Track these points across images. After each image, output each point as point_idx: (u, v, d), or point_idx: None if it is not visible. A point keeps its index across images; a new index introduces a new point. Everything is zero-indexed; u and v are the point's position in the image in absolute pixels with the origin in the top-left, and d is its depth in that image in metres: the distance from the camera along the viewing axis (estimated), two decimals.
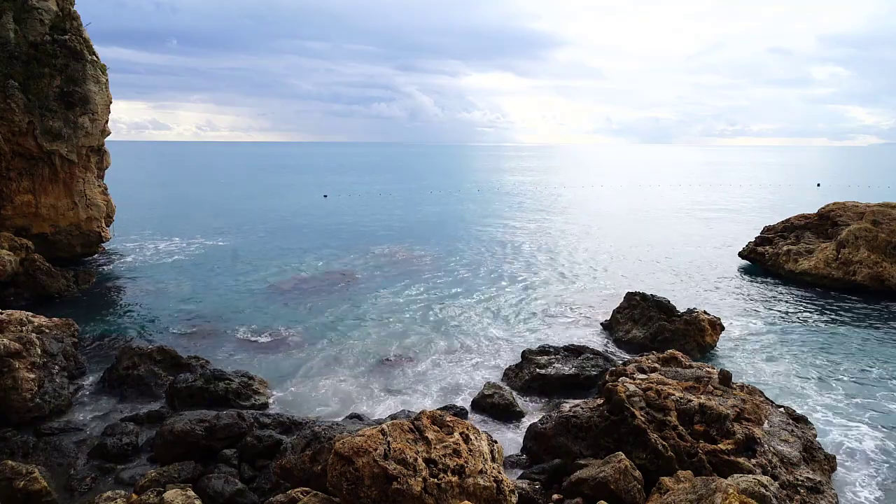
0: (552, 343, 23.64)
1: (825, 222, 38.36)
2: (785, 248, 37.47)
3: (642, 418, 14.12)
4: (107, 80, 36.05)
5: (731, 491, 10.42)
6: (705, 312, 24.76)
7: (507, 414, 18.32)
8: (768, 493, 11.02)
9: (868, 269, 32.38)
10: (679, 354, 18.85)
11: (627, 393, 14.77)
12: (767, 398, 16.93)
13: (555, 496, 13.34)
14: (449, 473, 10.99)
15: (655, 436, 13.73)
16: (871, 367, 22.31)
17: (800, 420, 16.29)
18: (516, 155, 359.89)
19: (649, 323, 24.70)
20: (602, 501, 12.19)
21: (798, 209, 48.23)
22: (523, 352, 22.24)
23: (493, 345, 24.77)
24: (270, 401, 19.46)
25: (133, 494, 12.86)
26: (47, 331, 20.44)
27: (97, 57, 35.66)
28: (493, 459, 11.99)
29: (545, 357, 21.50)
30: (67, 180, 35.11)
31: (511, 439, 17.07)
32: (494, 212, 69.66)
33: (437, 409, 13.73)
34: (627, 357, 22.11)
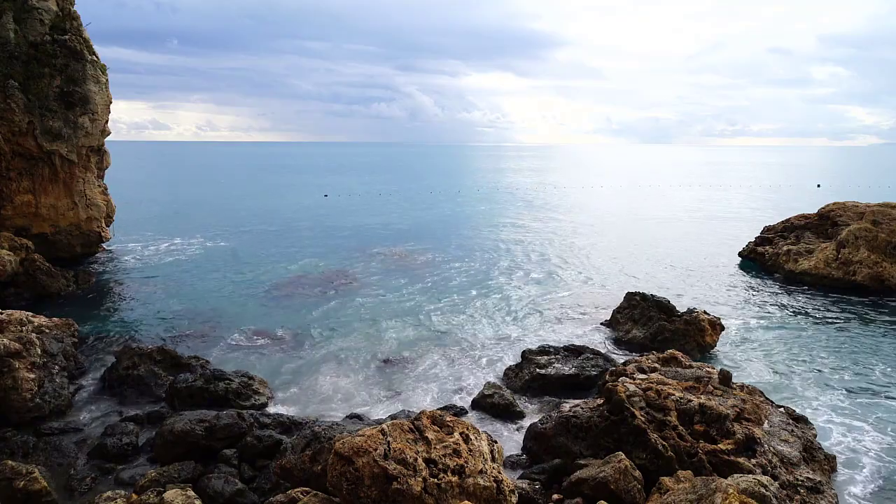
0: (552, 343, 23.64)
1: (825, 222, 38.37)
2: (785, 248, 37.48)
3: (642, 418, 14.13)
4: (107, 80, 36.05)
5: (731, 491, 10.42)
6: (705, 312, 24.76)
7: (507, 414, 18.32)
8: (768, 493, 11.02)
9: (868, 269, 32.38)
10: (679, 354, 18.85)
11: (627, 393, 14.77)
12: (767, 398, 16.94)
13: (555, 496, 13.35)
14: (449, 473, 10.99)
15: (655, 436, 13.73)
16: (871, 366, 22.31)
17: (800, 420, 16.30)
18: (516, 155, 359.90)
19: (649, 323, 24.70)
20: (602, 501, 12.19)
21: (798, 209, 48.24)
22: (523, 352, 22.24)
23: (493, 345, 24.77)
24: (270, 401, 19.46)
25: (133, 494, 12.86)
26: (47, 331, 20.44)
27: (97, 57, 35.66)
28: (493, 459, 12.00)
29: (545, 357, 21.50)
30: (67, 180, 35.11)
31: (511, 439, 17.07)
32: (494, 212, 69.66)
33: (437, 409, 13.73)
34: (627, 357, 22.11)
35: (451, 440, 11.63)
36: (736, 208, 74.48)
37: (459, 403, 18.90)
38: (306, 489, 12.29)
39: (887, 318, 28.05)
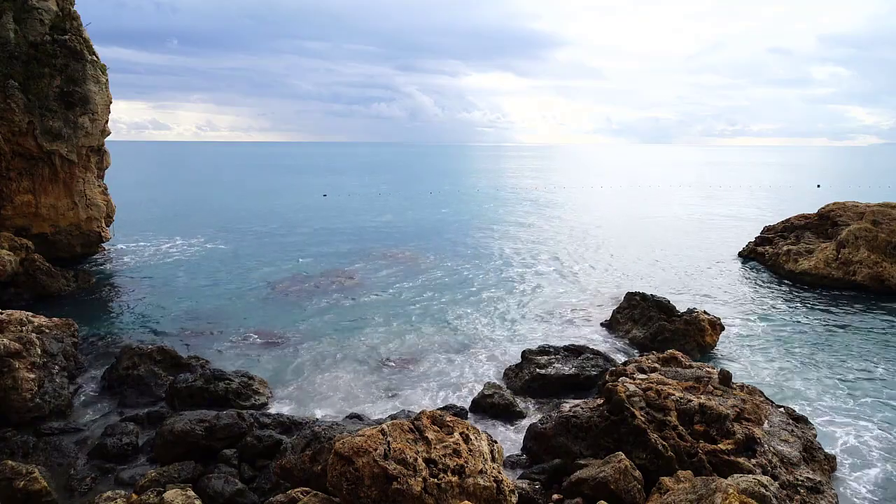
0: (552, 343, 23.62)
1: (825, 222, 38.38)
2: (785, 247, 37.48)
3: (642, 418, 14.13)
4: (107, 80, 36.05)
5: (731, 491, 10.42)
6: (705, 312, 24.76)
7: (507, 414, 18.32)
8: (768, 493, 11.02)
9: (868, 269, 32.38)
10: (679, 354, 18.85)
11: (627, 393, 14.77)
12: (767, 398, 16.93)
13: (555, 496, 13.34)
14: (449, 473, 10.99)
15: (655, 436, 13.73)
16: (871, 366, 22.31)
17: (800, 420, 16.30)
18: (516, 155, 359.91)
19: (649, 323, 24.70)
20: (602, 501, 12.19)
21: (798, 209, 48.24)
22: (523, 352, 22.24)
23: (493, 345, 24.78)
24: (270, 401, 19.46)
25: (133, 494, 12.86)
26: (47, 331, 20.44)
27: (97, 57, 35.66)
28: (493, 459, 11.99)
29: (545, 357, 21.50)
30: (67, 180, 35.11)
31: (511, 439, 17.07)
32: (494, 212, 69.66)
33: (437, 409, 13.73)
34: (627, 357, 22.11)
35: (451, 440, 11.63)
36: (736, 208, 74.48)
37: (459, 403, 18.90)
38: (306, 489, 12.29)
39: (887, 318, 28.05)
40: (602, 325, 27.12)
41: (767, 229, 42.02)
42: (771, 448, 13.87)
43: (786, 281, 35.34)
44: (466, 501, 10.75)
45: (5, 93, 31.47)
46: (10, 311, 20.01)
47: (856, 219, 35.77)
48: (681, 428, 14.01)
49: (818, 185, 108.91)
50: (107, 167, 39.26)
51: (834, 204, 39.59)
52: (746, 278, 36.62)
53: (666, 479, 12.46)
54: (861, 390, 20.30)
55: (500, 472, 11.70)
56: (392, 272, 37.34)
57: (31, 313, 20.68)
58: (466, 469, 11.16)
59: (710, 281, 35.74)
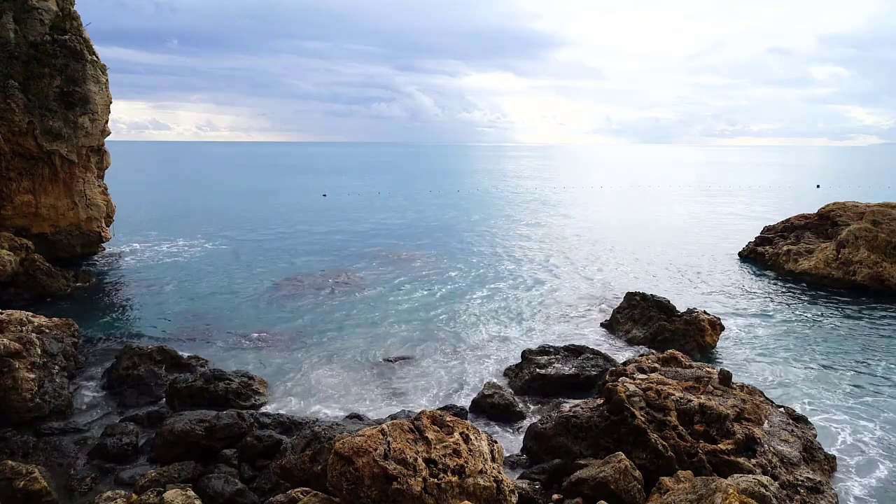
0: (552, 343, 23.64)
1: (825, 222, 38.39)
2: (785, 248, 37.49)
3: (642, 418, 14.13)
4: (107, 80, 36.06)
5: (731, 491, 10.42)
6: (705, 312, 24.76)
7: (507, 414, 18.31)
8: (768, 493, 11.02)
9: (868, 269, 32.38)
10: (679, 354, 18.85)
11: (627, 393, 14.77)
12: (767, 398, 16.94)
13: (555, 496, 13.34)
14: (449, 473, 10.99)
15: (655, 436, 13.73)
16: (871, 366, 22.31)
17: (800, 420, 16.30)
18: (516, 155, 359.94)
19: (649, 323, 24.70)
20: (602, 501, 12.19)
21: (798, 209, 48.25)
22: (523, 352, 22.24)
23: (493, 345, 24.77)
24: (270, 401, 19.46)
25: (133, 494, 12.86)
26: (47, 331, 20.45)
27: (97, 57, 35.67)
28: (493, 459, 11.99)
29: (545, 357, 21.50)
30: (67, 180, 35.12)
31: (511, 439, 17.08)
32: (494, 212, 69.66)
33: (437, 409, 13.73)
34: (627, 357, 22.11)
35: (451, 440, 11.63)
36: (736, 208, 74.49)
37: (459, 403, 18.90)
38: (306, 489, 12.29)
39: (887, 318, 28.05)
40: (602, 325, 27.12)
41: (767, 229, 42.03)
42: (771, 448, 13.87)
43: (786, 281, 35.34)
44: (466, 501, 10.75)
45: (5, 93, 31.47)
46: (10, 311, 20.02)
47: (856, 219, 35.77)
48: (681, 428, 14.01)
49: (818, 186, 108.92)
50: (107, 167, 39.28)
51: (834, 204, 39.59)
52: (746, 278, 36.61)
53: (666, 479, 12.46)
54: (861, 390, 20.30)
55: (500, 472, 11.70)
56: (392, 272, 37.34)
57: (31, 313, 20.69)
58: (466, 469, 11.16)
59: (710, 281, 35.73)
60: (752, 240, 42.18)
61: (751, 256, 40.57)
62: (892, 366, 22.36)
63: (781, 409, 16.44)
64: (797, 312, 29.23)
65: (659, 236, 51.80)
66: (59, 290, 30.38)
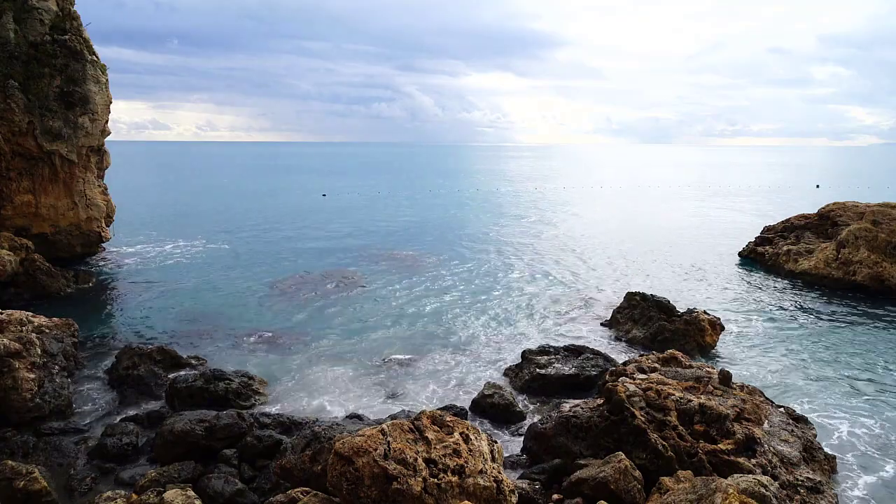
0: (552, 343, 23.65)
1: (825, 222, 38.38)
2: (785, 248, 37.49)
3: (642, 418, 14.12)
4: (107, 80, 36.05)
5: (731, 491, 10.42)
6: (705, 312, 24.77)
7: (507, 414, 18.31)
8: (768, 493, 11.02)
9: (868, 269, 32.38)
10: (679, 354, 18.85)
11: (627, 393, 14.77)
12: (767, 398, 16.94)
13: (555, 496, 13.34)
14: (449, 473, 10.99)
15: (655, 436, 13.73)
16: (871, 366, 22.31)
17: (800, 420, 16.30)
18: (516, 155, 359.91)
19: (649, 323, 24.71)
20: (602, 501, 12.18)
21: (798, 209, 48.24)
22: (523, 352, 22.24)
23: (493, 345, 24.78)
24: (270, 401, 19.46)
25: (133, 494, 12.86)
26: (47, 331, 20.44)
27: (97, 57, 35.65)
28: (493, 459, 11.99)
29: (545, 357, 21.50)
30: (67, 180, 35.11)
31: (511, 439, 17.08)
32: (494, 212, 69.67)
33: (437, 409, 13.73)
34: (627, 357, 22.10)
35: (451, 440, 11.63)
36: (736, 208, 74.49)
37: (459, 403, 18.89)
38: (306, 489, 12.29)
39: (887, 318, 28.05)
40: (602, 325, 27.12)
41: (767, 229, 42.02)
42: (771, 448, 13.87)
43: (786, 281, 35.33)
44: (466, 501, 10.75)
45: (5, 93, 31.46)
46: (10, 311, 20.01)
47: (856, 219, 35.76)
48: (681, 428, 14.01)
49: (817, 186, 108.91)
50: (107, 167, 39.27)
51: (834, 204, 39.59)
52: (746, 278, 36.61)
53: (666, 479, 12.46)
54: (861, 390, 20.30)
55: (500, 472, 11.70)
56: (392, 272, 37.34)
57: (31, 313, 20.68)
58: (466, 469, 11.16)
59: (710, 281, 35.74)
60: (752, 240, 42.17)
61: (751, 256, 40.56)
62: (892, 366, 22.36)
63: (781, 409, 16.44)
64: (797, 312, 29.22)
65: (659, 236, 51.80)
66: (59, 290, 30.38)
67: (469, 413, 18.35)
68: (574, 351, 22.20)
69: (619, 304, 27.11)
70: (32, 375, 17.80)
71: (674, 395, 14.91)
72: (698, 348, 23.34)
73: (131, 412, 18.22)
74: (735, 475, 11.72)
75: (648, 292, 26.55)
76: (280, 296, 31.65)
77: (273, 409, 18.61)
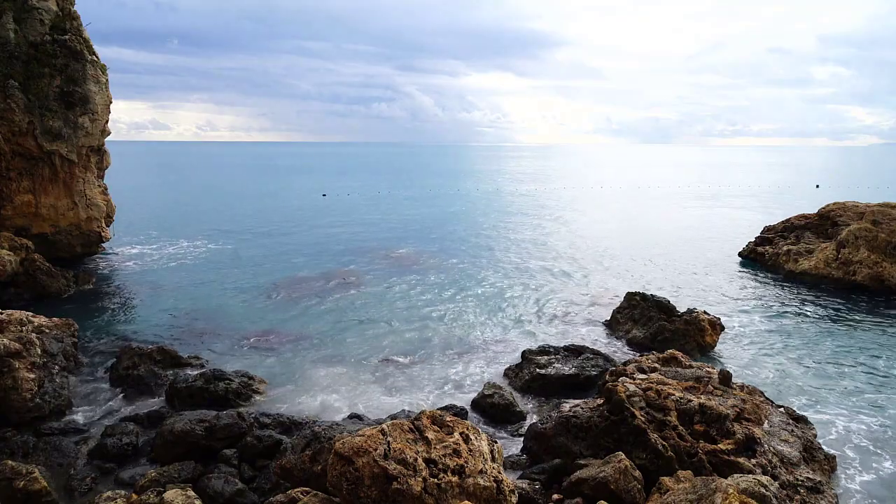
0: (552, 343, 23.64)
1: (825, 222, 38.37)
2: (785, 248, 37.48)
3: (642, 418, 14.13)
4: (107, 80, 36.04)
5: (731, 491, 10.42)
6: (705, 312, 24.76)
7: (507, 414, 18.31)
8: (768, 493, 11.02)
9: (868, 269, 32.38)
10: (679, 354, 18.85)
11: (627, 393, 14.77)
12: (767, 398, 16.94)
13: (555, 496, 13.35)
14: (449, 473, 10.99)
15: (655, 436, 13.73)
16: (871, 366, 22.31)
17: (800, 420, 16.30)
18: (516, 155, 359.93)
19: (649, 323, 24.70)
20: (602, 501, 12.19)
21: (798, 209, 48.23)
22: (523, 352, 22.24)
23: (493, 345, 24.77)
24: (270, 401, 19.45)
25: (133, 494, 12.86)
26: (47, 331, 20.44)
27: (97, 57, 35.64)
28: (493, 459, 11.99)
29: (545, 357, 21.50)
30: (67, 180, 35.10)
31: (511, 439, 17.07)
32: (494, 212, 69.66)
33: (437, 409, 13.72)
34: (627, 357, 22.11)
35: (451, 440, 11.63)
36: (736, 208, 74.49)
37: (459, 403, 18.88)
38: (306, 489, 12.29)
39: (887, 319, 28.05)
40: (602, 325, 27.12)
41: (767, 229, 42.00)
42: (771, 448, 13.87)
43: (786, 281, 35.33)
44: (466, 501, 10.75)
45: (5, 93, 31.46)
46: (10, 311, 20.01)
47: (856, 219, 35.76)
48: (681, 428, 14.01)
49: (817, 186, 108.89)
50: (107, 167, 39.26)
51: (834, 204, 39.57)
52: (746, 278, 36.61)
53: (666, 479, 12.46)
54: (861, 390, 20.29)
55: (500, 472, 11.70)
56: (392, 272, 37.34)
57: (31, 313, 20.68)
58: (466, 469, 11.16)
59: (710, 281, 35.74)
60: (752, 240, 42.15)
61: (751, 256, 40.55)
62: (892, 366, 22.36)
63: (781, 409, 16.44)
64: (797, 312, 29.23)
65: (659, 236, 51.79)
66: (59, 290, 30.37)
67: (469, 413, 18.35)
68: (574, 351, 22.20)
69: (619, 304, 27.10)
70: (32, 375, 17.81)
71: (674, 395, 14.91)
72: (698, 348, 23.34)
73: (131, 412, 18.22)
74: (735, 475, 11.72)
75: (648, 292, 26.54)
76: (280, 296, 31.65)
77: (273, 409, 18.60)
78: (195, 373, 19.92)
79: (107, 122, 36.63)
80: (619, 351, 23.99)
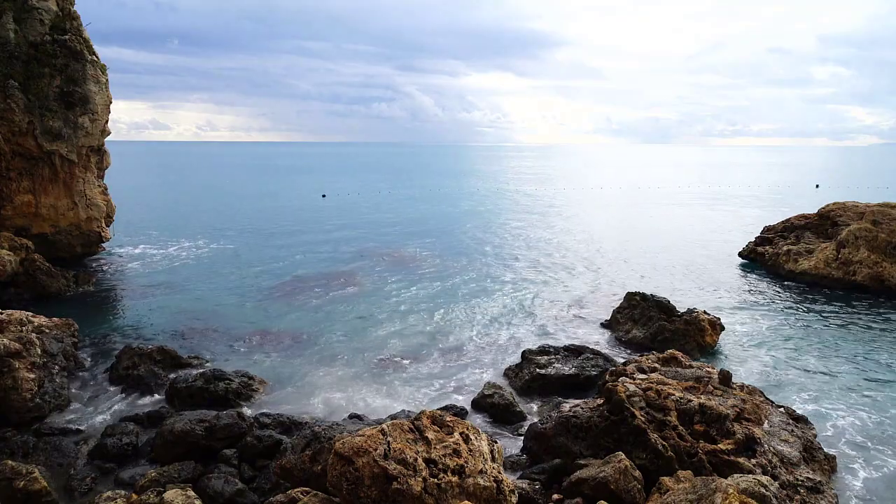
0: (552, 343, 23.63)
1: (825, 222, 38.35)
2: (785, 248, 37.47)
3: (642, 418, 14.13)
4: (107, 80, 36.03)
5: (731, 491, 10.42)
6: (705, 312, 24.76)
7: (507, 414, 18.31)
8: (768, 493, 11.02)
9: (868, 269, 32.37)
10: (679, 354, 18.85)
11: (627, 393, 14.77)
12: (767, 398, 16.94)
13: (555, 496, 13.35)
14: (449, 473, 10.99)
15: (655, 436, 13.73)
16: (871, 367, 22.31)
17: (800, 420, 16.31)
18: (517, 155, 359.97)
19: (649, 323, 24.70)
20: (602, 501, 12.19)
21: (798, 209, 48.23)
22: (523, 352, 22.24)
23: (493, 345, 24.77)
24: (270, 400, 19.45)
25: (133, 494, 12.86)
26: (47, 331, 20.45)
27: (97, 57, 35.64)
28: (493, 459, 11.99)
29: (545, 357, 21.50)
30: (67, 180, 35.10)
31: (511, 439, 17.07)
32: (494, 212, 69.67)
33: (437, 409, 13.72)
34: (627, 357, 22.11)
35: (451, 440, 11.63)
36: (736, 208, 74.49)
37: (459, 403, 18.90)
38: (306, 489, 12.29)
39: (887, 319, 28.05)
40: (602, 325, 27.12)
41: (767, 229, 41.99)
42: (771, 448, 13.87)
43: (786, 281, 35.32)
44: (466, 501, 10.75)
45: (5, 93, 31.46)
46: (10, 311, 20.02)
47: (856, 219, 35.75)
48: (681, 428, 14.01)
49: (817, 186, 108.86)
50: (107, 167, 39.26)
51: (834, 204, 39.56)
52: (746, 278, 36.62)
53: (666, 479, 12.46)
54: (861, 390, 20.29)
55: (500, 472, 11.70)
56: (391, 272, 37.34)
57: (31, 313, 20.69)
58: (466, 469, 11.16)
59: (710, 281, 35.74)
60: (752, 240, 42.14)
61: (751, 256, 40.54)
62: (892, 366, 22.36)
63: (781, 409, 16.45)
64: (797, 312, 29.22)
65: (659, 236, 51.80)
66: (59, 290, 30.37)
67: (469, 413, 18.36)
68: (574, 351, 22.20)
69: (619, 304, 27.10)
70: (32, 375, 17.81)
71: (674, 395, 14.91)
72: (698, 348, 23.34)
73: (131, 412, 18.22)
74: (735, 475, 11.72)
75: (648, 292, 26.54)
76: (280, 296, 31.66)
77: (273, 409, 18.60)
78: (195, 373, 19.93)
79: (107, 122, 36.63)
80: (619, 351, 23.99)
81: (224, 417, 16.06)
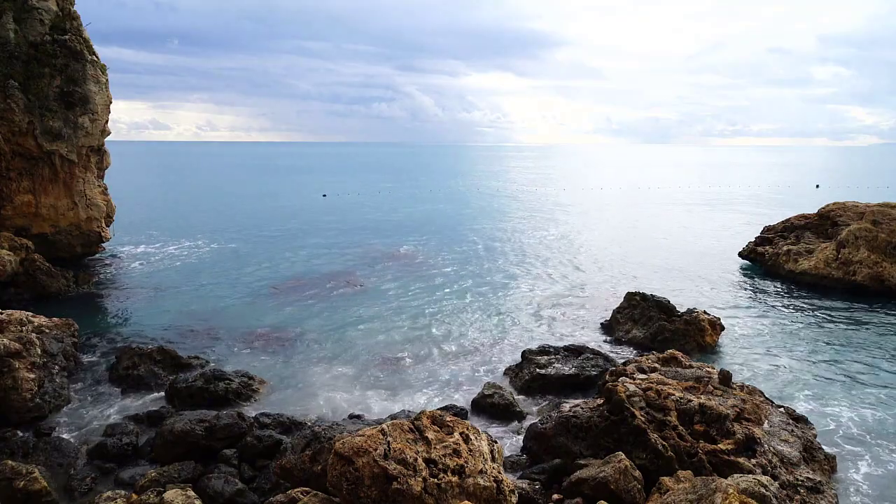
0: (552, 343, 23.63)
1: (825, 222, 38.35)
2: (785, 248, 37.46)
3: (642, 418, 14.13)
4: (107, 80, 36.03)
5: (731, 491, 10.42)
6: (705, 312, 24.77)
7: (507, 414, 18.31)
8: (768, 493, 11.02)
9: (868, 269, 32.37)
10: (679, 354, 18.85)
11: (627, 393, 14.77)
12: (767, 398, 16.94)
13: (555, 496, 13.35)
14: (449, 473, 10.99)
15: (655, 436, 13.73)
16: (871, 366, 22.31)
17: (800, 420, 16.31)
18: (517, 155, 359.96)
19: (649, 323, 24.70)
20: (602, 501, 12.19)
21: (798, 209, 48.22)
22: (523, 352, 22.24)
23: (493, 345, 24.77)
24: (270, 400, 19.45)
25: (133, 494, 12.86)
26: (47, 331, 20.45)
27: (97, 57, 35.64)
28: (493, 459, 11.99)
29: (545, 357, 21.50)
30: (67, 180, 35.10)
31: (511, 439, 17.07)
32: (494, 212, 69.66)
33: (437, 409, 13.73)
34: (627, 357, 22.11)
35: (451, 440, 11.63)
36: (736, 208, 74.49)
37: (459, 403, 18.90)
38: (306, 489, 12.29)
39: (887, 319, 28.05)
40: (602, 325, 27.12)
41: (767, 229, 41.98)
42: (771, 448, 13.87)
43: (785, 281, 35.33)
44: (466, 501, 10.75)
45: (5, 93, 31.46)
46: (10, 311, 20.02)
47: (856, 219, 35.74)
48: (681, 428, 14.01)
49: (817, 186, 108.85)
50: (107, 167, 39.26)
51: (834, 204, 39.55)
52: (746, 278, 36.63)
53: (666, 479, 12.46)
54: (861, 390, 20.29)
55: (500, 472, 11.71)
56: (392, 272, 37.34)
57: (31, 313, 20.68)
58: (466, 469, 11.16)
59: (710, 281, 35.75)
60: (752, 240, 42.13)
61: (751, 256, 40.53)
62: (893, 366, 22.36)
63: (781, 409, 16.45)
64: (797, 312, 29.23)
65: (659, 236, 51.80)
66: (59, 290, 30.37)
67: (469, 413, 18.36)
68: (574, 351, 22.20)
69: (619, 305, 27.09)
70: (32, 375, 17.81)
71: (674, 395, 14.91)
72: (698, 348, 23.34)
73: (131, 412, 18.22)
74: (735, 475, 11.72)
75: (648, 292, 26.54)
76: (280, 296, 31.66)
77: (273, 409, 18.60)
78: (195, 373, 19.93)
79: (107, 122, 36.63)
80: (619, 351, 23.99)
81: (224, 417, 16.06)
